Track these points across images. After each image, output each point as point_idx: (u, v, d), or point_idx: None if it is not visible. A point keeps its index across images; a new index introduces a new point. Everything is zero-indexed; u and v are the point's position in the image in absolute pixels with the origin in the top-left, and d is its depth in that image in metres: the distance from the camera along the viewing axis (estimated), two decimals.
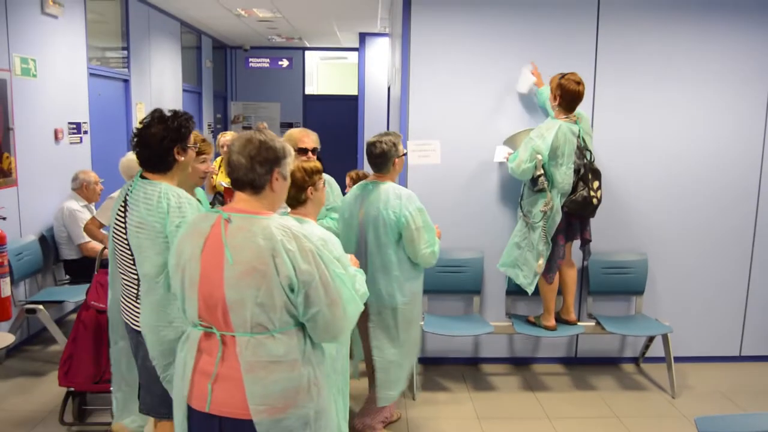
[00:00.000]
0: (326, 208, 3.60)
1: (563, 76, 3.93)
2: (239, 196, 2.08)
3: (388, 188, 3.31)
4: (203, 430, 2.07)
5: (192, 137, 2.72)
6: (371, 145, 3.35)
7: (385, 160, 3.34)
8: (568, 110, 3.95)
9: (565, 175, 3.90)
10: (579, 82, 3.89)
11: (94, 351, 3.65)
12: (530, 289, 4.09)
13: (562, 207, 3.97)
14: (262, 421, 1.97)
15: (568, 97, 3.89)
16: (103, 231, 4.49)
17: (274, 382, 1.97)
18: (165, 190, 2.56)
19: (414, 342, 3.48)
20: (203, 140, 3.19)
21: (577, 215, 4.02)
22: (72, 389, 3.68)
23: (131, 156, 4.54)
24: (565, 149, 3.88)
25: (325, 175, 3.77)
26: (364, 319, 3.36)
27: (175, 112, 2.68)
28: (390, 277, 3.30)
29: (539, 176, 3.90)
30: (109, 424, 3.60)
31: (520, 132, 4.19)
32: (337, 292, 2.02)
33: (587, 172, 3.95)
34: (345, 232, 3.39)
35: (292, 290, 1.96)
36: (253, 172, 2.02)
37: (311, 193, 2.74)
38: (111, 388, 2.95)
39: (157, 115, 2.66)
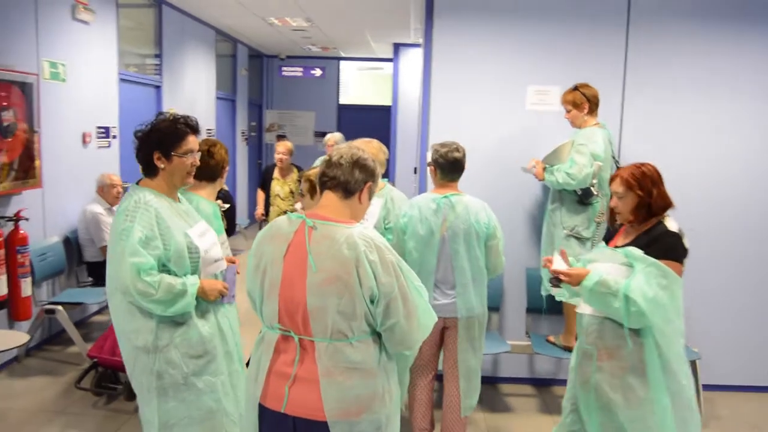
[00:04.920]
0: (385, 227, 3.57)
1: (575, 87, 3.85)
2: (326, 198, 2.11)
3: (473, 201, 3.29)
4: (277, 428, 2.09)
5: (186, 145, 2.51)
6: (454, 150, 3.27)
7: (462, 165, 3.31)
8: (595, 114, 3.89)
9: (606, 182, 3.77)
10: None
11: None
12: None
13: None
14: (336, 423, 2.01)
15: (594, 99, 3.86)
16: None
17: (350, 387, 2.01)
18: (132, 194, 2.47)
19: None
20: (214, 144, 3.15)
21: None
22: (96, 360, 3.92)
23: None
24: (608, 155, 3.84)
25: (391, 188, 3.71)
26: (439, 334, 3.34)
27: (169, 116, 2.56)
28: (482, 288, 3.30)
29: (592, 184, 3.79)
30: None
31: (561, 145, 3.93)
32: (414, 303, 2.05)
33: None
34: (421, 248, 3.27)
35: (372, 301, 2.00)
36: (351, 175, 2.08)
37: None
38: None
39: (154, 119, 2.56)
